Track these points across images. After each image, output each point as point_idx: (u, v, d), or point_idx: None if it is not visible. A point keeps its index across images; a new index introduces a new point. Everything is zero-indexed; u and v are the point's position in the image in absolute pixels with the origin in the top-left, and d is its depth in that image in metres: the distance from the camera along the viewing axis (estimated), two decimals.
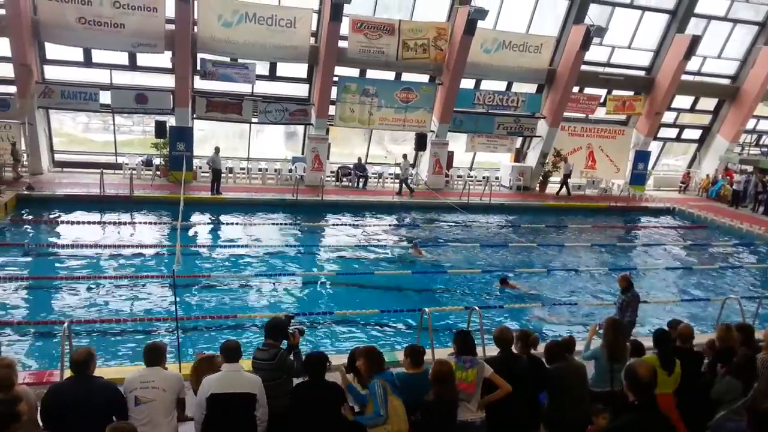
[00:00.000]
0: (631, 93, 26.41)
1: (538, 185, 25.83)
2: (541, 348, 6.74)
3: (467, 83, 24.06)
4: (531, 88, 25.59)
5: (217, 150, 20.29)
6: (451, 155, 24.91)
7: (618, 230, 21.47)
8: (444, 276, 14.35)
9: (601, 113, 26.45)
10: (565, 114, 25.29)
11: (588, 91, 25.84)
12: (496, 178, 26.00)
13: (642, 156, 26.33)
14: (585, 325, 11.18)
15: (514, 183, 25.39)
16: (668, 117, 27.74)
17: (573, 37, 23.69)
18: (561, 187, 24.99)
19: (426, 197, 22.36)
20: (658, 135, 27.97)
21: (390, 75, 23.52)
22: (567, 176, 24.97)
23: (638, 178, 26.24)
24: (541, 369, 6.12)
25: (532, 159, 26.22)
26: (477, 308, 9.09)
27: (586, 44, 23.24)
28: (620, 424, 4.35)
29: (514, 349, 6.12)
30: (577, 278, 14.92)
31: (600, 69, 25.51)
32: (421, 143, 23.65)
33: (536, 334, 6.94)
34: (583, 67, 24.33)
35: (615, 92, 26.17)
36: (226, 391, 4.98)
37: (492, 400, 5.64)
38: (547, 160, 25.63)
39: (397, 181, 23.09)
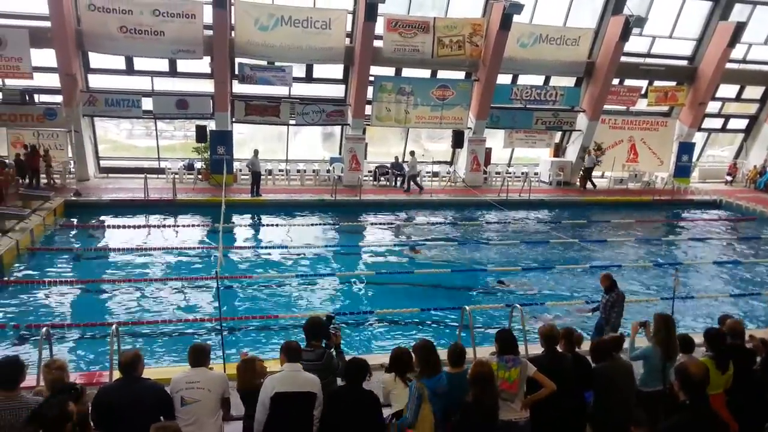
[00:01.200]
0: (674, 83, 25.78)
1: (578, 180, 25.43)
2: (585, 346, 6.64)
3: (504, 78, 23.84)
4: (569, 81, 25.21)
5: (256, 153, 20.56)
6: (488, 152, 24.70)
7: (663, 224, 20.99)
8: (484, 274, 14.26)
9: (642, 105, 25.88)
10: (605, 107, 24.84)
11: (628, 82, 25.35)
12: (536, 173, 25.70)
13: (686, 148, 25.72)
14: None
15: (554, 178, 25.05)
16: (713, 107, 26.97)
17: (612, 28, 23.24)
18: (586, 181, 24.53)
19: (464, 195, 22.25)
20: (703, 126, 27.21)
21: (426, 73, 23.47)
22: (590, 170, 24.49)
23: (682, 171, 25.64)
24: (587, 368, 6.02)
25: (571, 153, 25.83)
26: (519, 306, 8.99)
27: (625, 35, 22.79)
28: (672, 424, 4.25)
29: (558, 348, 6.04)
30: (620, 275, 14.62)
31: (640, 60, 24.99)
32: (458, 140, 23.53)
33: (579, 332, 6.81)
34: (623, 59, 23.85)
35: (656, 83, 25.58)
36: (289, 390, 5.04)
37: (536, 400, 5.57)
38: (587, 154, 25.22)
39: (445, 178, 22.99)
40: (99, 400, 4.93)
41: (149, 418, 4.40)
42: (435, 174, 24.38)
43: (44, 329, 7.72)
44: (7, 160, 18.97)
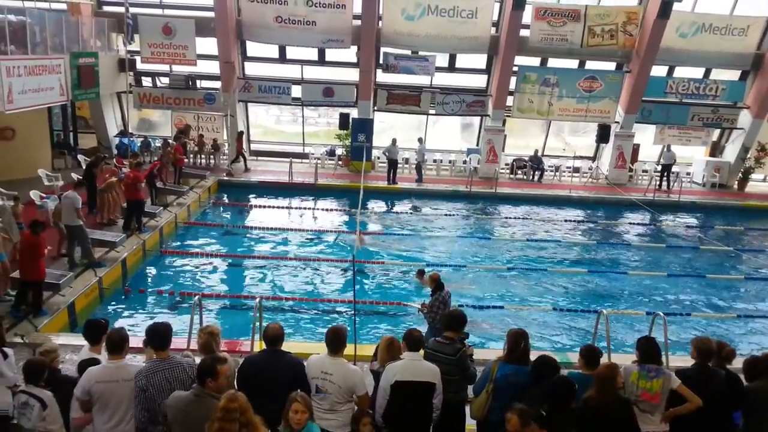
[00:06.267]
0: None
1: (736, 183, 23.36)
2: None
3: (658, 70, 22.38)
4: (733, 74, 23.14)
5: (394, 141, 20.92)
6: (636, 148, 23.34)
7: None
8: (623, 277, 13.58)
9: None
10: None
11: None
12: (688, 173, 23.86)
13: None
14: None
15: (708, 179, 23.18)
16: None
17: None
18: (660, 181, 22.10)
19: (606, 192, 21.23)
20: None
21: (573, 63, 22.59)
22: (668, 167, 22.30)
23: None
24: (739, 386, 5.56)
25: (730, 153, 23.75)
26: (661, 314, 8.48)
27: None
28: None
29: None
30: None
31: None
32: (603, 135, 22.40)
33: (731, 347, 6.26)
34: None
35: None
36: (409, 379, 5.12)
37: (678, 414, 5.27)
38: (748, 156, 23.07)
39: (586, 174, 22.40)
40: (245, 369, 5.27)
41: (288, 390, 4.64)
42: (576, 169, 23.45)
43: (196, 297, 8.37)
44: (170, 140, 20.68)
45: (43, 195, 14.26)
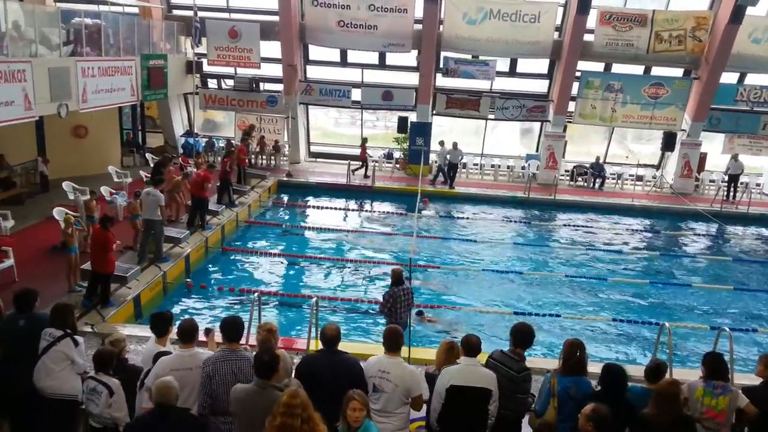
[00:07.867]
0: None
1: None
2: None
3: (729, 77, 21.56)
4: None
5: (455, 145, 20.85)
6: (703, 157, 22.54)
7: None
8: (687, 290, 13.14)
9: None
10: None
11: None
12: (758, 184, 22.87)
13: None
14: None
15: None
16: None
17: None
18: (728, 191, 21.06)
19: (671, 202, 20.58)
20: None
21: (638, 69, 21.99)
22: (734, 177, 21.14)
23: None
24: None
25: None
26: (727, 329, 8.17)
27: None
28: None
29: None
30: None
31: None
32: (669, 143, 21.74)
33: None
34: None
35: None
36: (465, 384, 5.11)
37: None
38: None
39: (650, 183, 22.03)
40: (302, 368, 5.37)
41: (346, 390, 4.69)
42: (639, 178, 22.82)
43: (255, 294, 8.57)
44: (233, 141, 21.20)
45: (113, 191, 14.86)
